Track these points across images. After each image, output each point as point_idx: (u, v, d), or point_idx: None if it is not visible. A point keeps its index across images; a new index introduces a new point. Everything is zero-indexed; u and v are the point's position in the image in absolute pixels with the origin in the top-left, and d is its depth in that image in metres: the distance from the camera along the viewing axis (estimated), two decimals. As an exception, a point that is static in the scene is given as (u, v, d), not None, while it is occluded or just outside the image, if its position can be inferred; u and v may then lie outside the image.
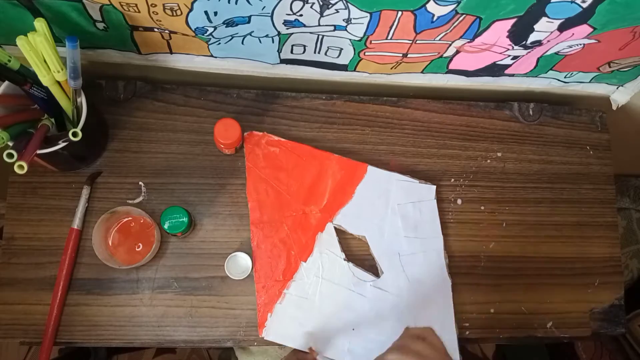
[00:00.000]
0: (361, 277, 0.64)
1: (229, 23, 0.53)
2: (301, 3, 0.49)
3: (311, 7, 0.50)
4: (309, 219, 0.65)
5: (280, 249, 0.63)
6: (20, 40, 0.46)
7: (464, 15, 0.50)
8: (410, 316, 0.64)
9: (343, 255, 0.64)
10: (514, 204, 0.71)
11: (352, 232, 0.65)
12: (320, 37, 0.57)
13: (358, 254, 0.66)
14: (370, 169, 0.67)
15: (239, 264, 0.63)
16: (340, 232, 0.65)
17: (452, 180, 0.71)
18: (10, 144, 0.51)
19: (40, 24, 0.47)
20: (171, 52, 0.62)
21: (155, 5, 0.48)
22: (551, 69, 0.66)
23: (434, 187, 0.68)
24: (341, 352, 0.61)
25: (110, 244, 0.62)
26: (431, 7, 0.48)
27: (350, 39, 0.57)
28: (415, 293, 0.64)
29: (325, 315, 0.62)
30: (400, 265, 0.65)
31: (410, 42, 0.56)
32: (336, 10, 0.50)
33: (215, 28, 0.53)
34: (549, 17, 0.50)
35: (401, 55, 0.60)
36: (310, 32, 0.56)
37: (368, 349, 0.62)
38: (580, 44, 0.58)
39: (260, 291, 0.62)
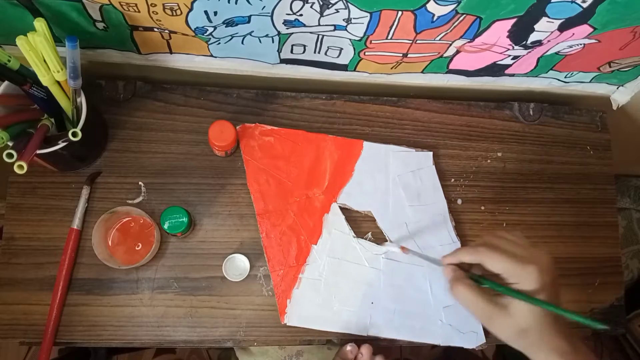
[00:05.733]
0: (372, 251, 0.65)
1: (229, 23, 0.53)
2: (301, 3, 0.49)
3: (311, 6, 0.50)
4: (313, 203, 0.65)
5: (289, 236, 0.64)
6: (20, 40, 0.46)
7: (464, 15, 0.50)
8: (426, 282, 0.65)
9: (352, 233, 0.65)
10: (514, 204, 0.71)
11: (357, 209, 0.66)
12: (320, 37, 0.57)
13: (366, 230, 0.66)
14: (367, 144, 0.68)
15: (237, 265, 0.63)
16: (346, 211, 0.66)
17: (452, 180, 0.70)
18: (10, 144, 0.51)
19: (40, 24, 0.47)
20: (171, 52, 0.61)
21: (155, 5, 0.48)
22: (551, 69, 0.66)
23: (431, 153, 0.69)
24: (364, 326, 0.63)
25: (110, 244, 0.62)
26: (431, 7, 0.48)
27: (350, 39, 0.57)
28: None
29: (343, 293, 0.63)
30: (409, 235, 0.66)
31: (411, 42, 0.56)
32: (336, 10, 0.50)
33: (215, 28, 0.53)
34: (549, 17, 0.50)
35: (401, 55, 0.60)
36: (310, 32, 0.56)
37: (388, 319, 0.63)
38: (581, 44, 0.58)
39: (276, 279, 0.63)
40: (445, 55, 0.61)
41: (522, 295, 0.44)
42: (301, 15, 0.51)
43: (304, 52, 0.61)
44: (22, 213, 0.62)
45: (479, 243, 0.48)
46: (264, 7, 0.50)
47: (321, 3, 0.49)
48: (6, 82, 0.53)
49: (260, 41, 0.58)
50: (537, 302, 0.43)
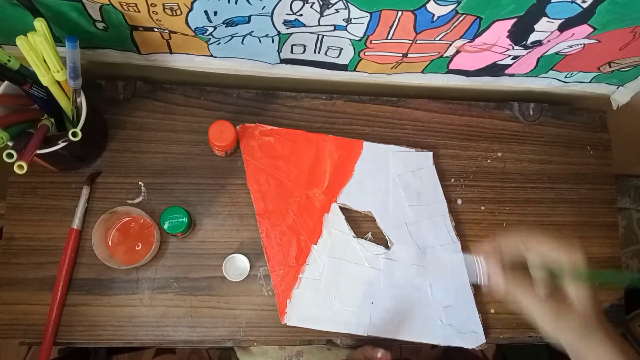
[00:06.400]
0: (372, 251, 0.65)
1: (229, 23, 0.53)
2: (301, 3, 0.49)
3: (311, 6, 0.50)
4: (313, 203, 0.65)
5: (289, 236, 0.64)
6: (20, 40, 0.46)
7: (464, 15, 0.50)
8: (426, 281, 0.65)
9: (352, 233, 0.65)
10: (514, 204, 0.71)
11: (357, 209, 0.66)
12: (320, 37, 0.57)
13: (366, 230, 0.66)
14: (367, 144, 0.68)
15: (237, 265, 0.63)
16: (345, 211, 0.66)
17: (452, 180, 0.70)
18: (10, 144, 0.51)
19: (40, 24, 0.47)
20: (171, 52, 0.61)
21: (155, 5, 0.48)
22: (551, 69, 0.66)
23: (431, 153, 0.69)
24: (364, 326, 0.63)
25: (110, 244, 0.62)
26: (431, 7, 0.48)
27: (350, 39, 0.57)
28: (427, 259, 0.66)
29: (343, 293, 0.63)
30: (409, 235, 0.66)
31: (411, 42, 0.56)
32: (336, 10, 0.50)
33: (215, 28, 0.53)
34: (549, 17, 0.50)
35: (401, 55, 0.60)
36: (310, 32, 0.56)
37: (388, 319, 0.63)
38: (581, 44, 0.58)
39: (276, 279, 0.63)
40: (445, 55, 0.61)
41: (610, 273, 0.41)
42: (301, 15, 0.51)
43: (304, 52, 0.61)
44: (22, 213, 0.62)
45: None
46: (264, 7, 0.50)
47: (321, 3, 0.49)
48: (6, 82, 0.53)
49: (260, 41, 0.58)
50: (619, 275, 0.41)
